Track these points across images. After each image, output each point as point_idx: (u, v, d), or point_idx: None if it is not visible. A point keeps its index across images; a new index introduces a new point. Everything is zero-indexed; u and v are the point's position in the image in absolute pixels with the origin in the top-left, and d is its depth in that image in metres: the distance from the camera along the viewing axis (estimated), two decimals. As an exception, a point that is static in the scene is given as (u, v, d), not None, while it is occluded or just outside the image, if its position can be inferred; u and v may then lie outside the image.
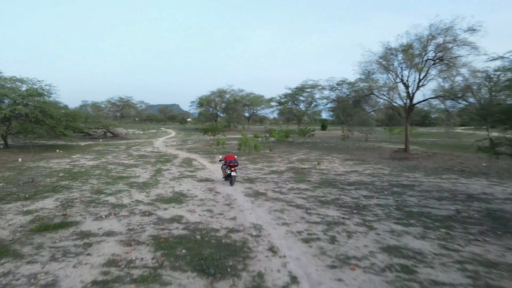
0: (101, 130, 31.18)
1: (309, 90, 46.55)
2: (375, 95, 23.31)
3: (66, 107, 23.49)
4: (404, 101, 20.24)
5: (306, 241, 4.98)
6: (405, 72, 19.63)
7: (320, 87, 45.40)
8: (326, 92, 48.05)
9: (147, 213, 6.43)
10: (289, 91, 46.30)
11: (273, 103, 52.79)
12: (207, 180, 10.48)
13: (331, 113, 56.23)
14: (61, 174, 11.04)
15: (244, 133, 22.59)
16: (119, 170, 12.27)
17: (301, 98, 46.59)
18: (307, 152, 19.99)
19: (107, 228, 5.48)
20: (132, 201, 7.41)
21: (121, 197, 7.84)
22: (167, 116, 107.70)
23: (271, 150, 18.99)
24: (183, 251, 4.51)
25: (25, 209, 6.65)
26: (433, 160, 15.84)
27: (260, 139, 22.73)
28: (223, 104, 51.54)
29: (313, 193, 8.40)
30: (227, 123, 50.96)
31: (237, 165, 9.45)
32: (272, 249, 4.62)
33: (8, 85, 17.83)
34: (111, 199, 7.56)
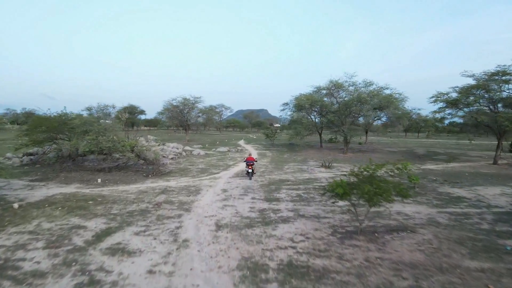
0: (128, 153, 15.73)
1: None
2: None
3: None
4: None
5: None
6: None
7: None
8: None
9: None
10: (473, 81, 24.07)
11: (439, 105, 25.86)
12: None
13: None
14: None
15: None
16: None
17: (503, 93, 23.45)
18: None
19: None
20: None
21: None
22: (252, 122, 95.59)
23: None
24: None
25: None
26: None
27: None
28: (334, 106, 31.71)
29: None
30: (341, 136, 30.30)
31: (253, 164, 13.86)
32: None
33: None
34: None
